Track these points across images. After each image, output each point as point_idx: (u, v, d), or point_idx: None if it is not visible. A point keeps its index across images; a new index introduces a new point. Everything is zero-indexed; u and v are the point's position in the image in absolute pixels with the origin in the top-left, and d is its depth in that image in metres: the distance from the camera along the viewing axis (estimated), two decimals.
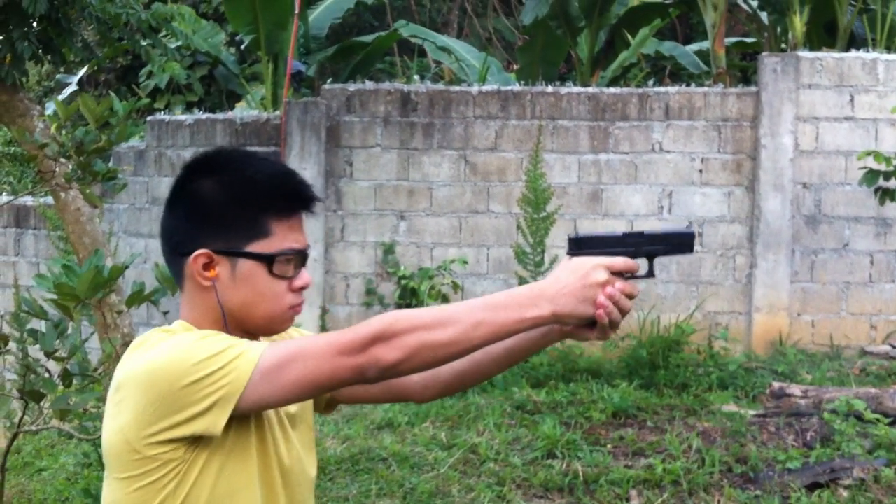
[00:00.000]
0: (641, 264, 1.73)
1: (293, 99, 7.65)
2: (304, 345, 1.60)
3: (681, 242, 1.76)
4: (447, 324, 1.57)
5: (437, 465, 5.11)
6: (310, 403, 1.88)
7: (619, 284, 1.66)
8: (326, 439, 5.45)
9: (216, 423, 1.56)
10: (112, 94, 5.06)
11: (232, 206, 1.68)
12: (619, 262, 1.67)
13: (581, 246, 1.71)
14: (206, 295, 1.70)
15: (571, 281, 1.63)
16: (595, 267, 1.65)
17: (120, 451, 1.61)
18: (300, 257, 1.72)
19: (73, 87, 11.13)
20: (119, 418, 1.60)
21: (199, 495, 1.62)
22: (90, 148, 3.36)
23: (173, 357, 1.57)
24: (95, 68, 11.10)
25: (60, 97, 10.76)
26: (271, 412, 1.72)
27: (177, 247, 1.72)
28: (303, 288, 1.73)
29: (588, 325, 1.69)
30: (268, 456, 1.70)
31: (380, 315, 1.59)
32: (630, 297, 1.67)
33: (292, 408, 1.78)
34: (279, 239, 1.69)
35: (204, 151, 1.77)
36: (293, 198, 1.72)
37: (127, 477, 1.61)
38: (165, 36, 5.53)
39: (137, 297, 3.00)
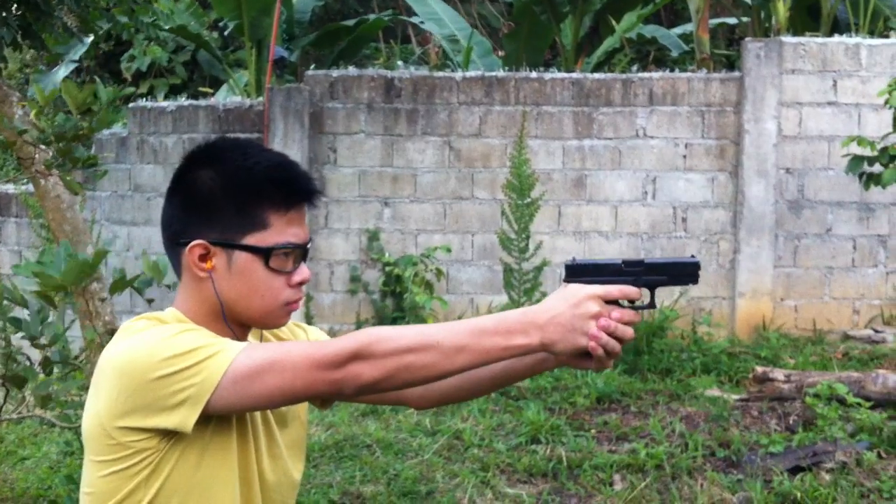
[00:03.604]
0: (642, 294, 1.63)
1: (276, 85, 7.61)
2: (282, 354, 1.56)
3: (683, 272, 1.67)
4: (429, 347, 1.54)
5: (421, 451, 5.11)
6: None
7: (616, 313, 1.59)
8: (311, 426, 5.44)
9: (186, 420, 1.54)
10: (97, 78, 5.02)
11: (228, 197, 1.65)
12: (615, 289, 1.59)
13: (577, 273, 1.63)
14: (203, 286, 1.68)
15: (563, 310, 1.57)
16: (588, 297, 1.57)
17: (95, 434, 1.60)
18: (300, 252, 1.69)
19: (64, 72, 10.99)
20: (96, 402, 1.60)
21: (174, 487, 1.60)
22: (71, 135, 3.33)
23: (147, 349, 1.56)
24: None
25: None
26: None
27: (174, 237, 1.70)
28: (301, 283, 1.69)
29: (584, 355, 1.61)
30: (248, 454, 1.68)
31: (361, 330, 1.57)
32: (630, 324, 1.60)
33: None
34: (276, 232, 1.66)
35: (205, 141, 1.74)
36: (291, 190, 1.67)
37: (101, 460, 1.60)
38: (153, 20, 5.49)
39: (120, 285, 2.98)
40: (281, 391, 1.54)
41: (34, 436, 5.74)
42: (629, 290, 1.61)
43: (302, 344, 1.63)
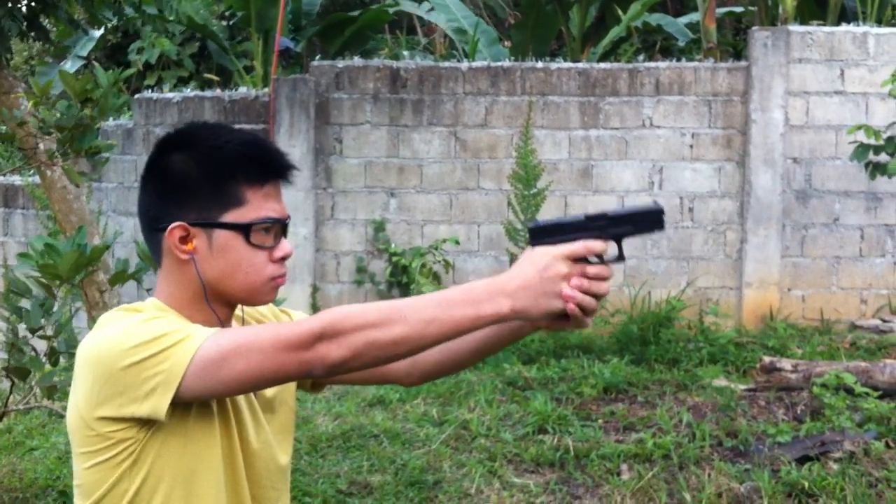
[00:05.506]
0: (608, 248, 1.59)
1: (282, 76, 7.61)
2: (249, 337, 1.55)
3: (649, 220, 1.61)
4: (395, 322, 1.51)
5: (428, 441, 5.11)
6: (291, 384, 1.82)
7: (590, 269, 1.56)
8: (318, 416, 5.45)
9: (158, 408, 1.53)
10: (96, 64, 5.02)
11: (203, 177, 1.65)
12: (579, 246, 1.55)
13: (541, 235, 1.58)
14: (186, 269, 1.67)
15: (531, 275, 1.53)
16: (554, 258, 1.54)
17: (77, 426, 1.60)
18: (280, 227, 1.68)
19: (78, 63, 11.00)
20: (75, 395, 1.60)
21: (159, 476, 1.59)
22: (71, 124, 3.33)
23: (116, 338, 1.55)
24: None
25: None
26: (240, 395, 1.68)
27: (152, 223, 1.69)
28: (284, 258, 1.68)
29: (561, 317, 1.57)
30: (232, 439, 1.66)
31: (326, 310, 1.54)
32: (603, 279, 1.56)
33: (269, 390, 1.74)
34: (254, 207, 1.65)
35: (174, 127, 1.74)
36: (265, 164, 1.67)
37: (84, 452, 1.60)
38: (160, 13, 5.48)
39: (121, 277, 3.00)
40: (250, 375, 1.53)
41: (42, 426, 5.75)
42: (594, 244, 1.57)
43: (270, 326, 1.61)
